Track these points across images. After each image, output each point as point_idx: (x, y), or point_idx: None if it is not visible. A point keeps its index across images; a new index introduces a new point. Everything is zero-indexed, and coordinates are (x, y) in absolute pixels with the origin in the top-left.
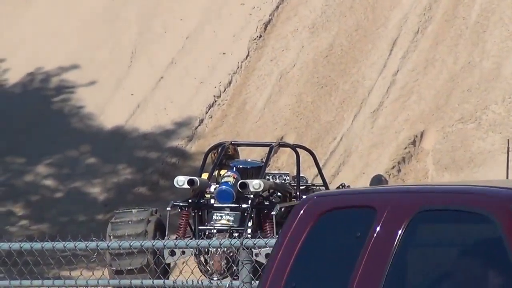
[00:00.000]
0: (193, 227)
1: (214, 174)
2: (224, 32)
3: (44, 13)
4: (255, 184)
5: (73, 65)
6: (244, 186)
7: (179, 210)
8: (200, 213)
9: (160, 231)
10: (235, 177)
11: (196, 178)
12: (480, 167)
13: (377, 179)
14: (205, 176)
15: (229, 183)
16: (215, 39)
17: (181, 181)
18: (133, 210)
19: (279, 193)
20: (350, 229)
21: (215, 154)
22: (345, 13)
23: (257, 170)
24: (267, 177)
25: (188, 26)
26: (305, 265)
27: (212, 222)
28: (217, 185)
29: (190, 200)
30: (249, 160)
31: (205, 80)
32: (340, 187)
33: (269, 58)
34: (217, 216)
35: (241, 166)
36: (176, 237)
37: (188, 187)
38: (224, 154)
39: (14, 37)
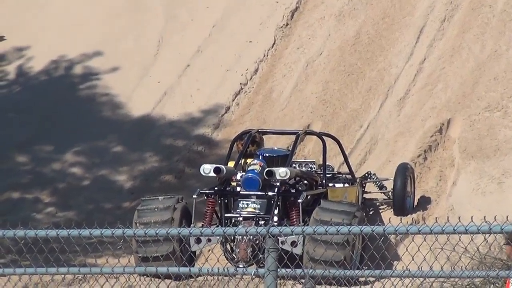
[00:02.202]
0: (219, 215)
1: (240, 162)
2: (251, 20)
3: (69, 1)
4: (281, 172)
5: (98, 52)
6: (271, 174)
7: (206, 197)
8: (226, 201)
9: (186, 218)
10: (261, 165)
11: (222, 166)
12: (506, 155)
13: (403, 168)
14: (231, 164)
15: (256, 170)
16: (241, 27)
17: (207, 169)
18: (160, 198)
19: (305, 181)
20: None
21: (242, 143)
22: (371, 1)
23: (284, 159)
24: (294, 165)
25: (215, 15)
26: None
27: (238, 210)
28: (244, 173)
29: (216, 188)
30: (275, 148)
31: (231, 68)
32: (366, 175)
33: (296, 46)
34: (243, 204)
35: (267, 155)
36: (202, 225)
37: (214, 175)
38: (251, 142)
39: (39, 25)
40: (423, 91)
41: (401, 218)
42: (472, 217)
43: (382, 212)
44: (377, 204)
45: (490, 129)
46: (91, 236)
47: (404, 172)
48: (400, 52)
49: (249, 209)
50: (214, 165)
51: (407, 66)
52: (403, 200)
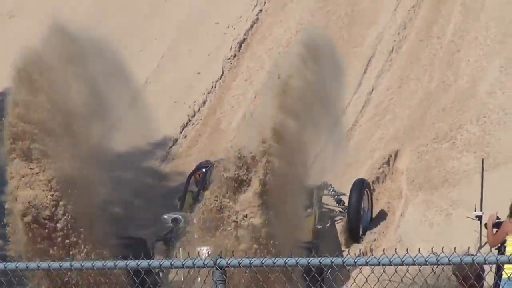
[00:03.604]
0: None
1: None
2: (199, 51)
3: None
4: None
5: None
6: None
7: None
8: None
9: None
10: None
11: (180, 217)
12: (454, 187)
13: (359, 183)
14: (189, 197)
15: None
16: (190, 58)
17: (166, 219)
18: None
19: None
20: None
21: (199, 175)
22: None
23: None
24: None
25: (163, 46)
26: None
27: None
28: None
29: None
30: None
31: (179, 99)
32: (322, 185)
33: (244, 78)
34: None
35: None
36: None
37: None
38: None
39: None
40: (371, 122)
41: (348, 250)
42: (419, 248)
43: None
44: (334, 219)
45: (438, 160)
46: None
47: (360, 188)
48: (348, 83)
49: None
50: (173, 216)
51: (355, 97)
52: (358, 217)
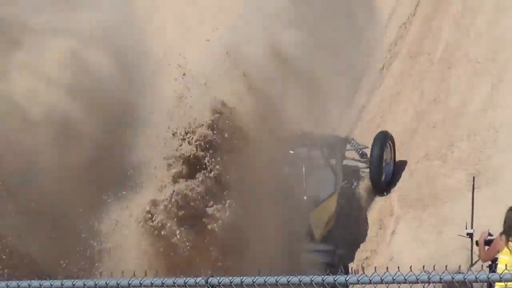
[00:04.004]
0: None
1: None
2: None
3: None
4: None
5: None
6: None
7: None
8: None
9: None
10: None
11: None
12: (445, 204)
13: (382, 135)
14: None
15: None
16: None
17: None
18: None
19: None
20: None
21: None
22: None
23: None
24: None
25: None
26: None
27: None
28: None
29: None
30: None
31: None
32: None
33: None
34: None
35: None
36: None
37: None
38: None
39: None
40: (362, 139)
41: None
42: (411, 266)
43: (360, 185)
44: (358, 174)
45: (429, 178)
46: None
47: (382, 140)
48: (339, 100)
49: None
50: None
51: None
52: (380, 169)
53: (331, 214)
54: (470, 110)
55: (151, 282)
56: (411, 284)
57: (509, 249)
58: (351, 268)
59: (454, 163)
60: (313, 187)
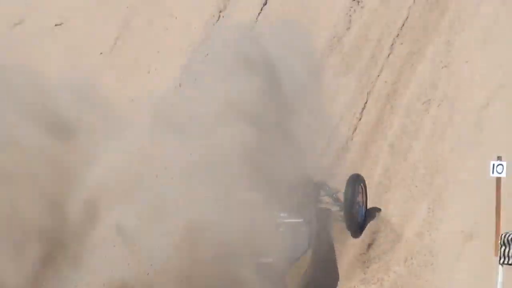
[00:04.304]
0: None
1: None
2: None
3: None
4: None
5: None
6: None
7: None
8: None
9: None
10: None
11: None
12: None
13: (353, 178)
14: None
15: None
16: None
17: None
18: None
19: None
20: None
21: None
22: None
23: None
24: None
25: None
26: None
27: None
28: None
29: None
30: None
31: None
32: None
33: None
34: None
35: None
36: None
37: None
38: None
39: None
40: None
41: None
42: None
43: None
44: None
45: None
46: None
47: (354, 183)
48: None
49: None
50: None
51: None
52: (352, 211)
53: (305, 270)
54: (407, 233)
55: None
56: None
57: None
58: None
59: (390, 287)
60: (287, 248)
